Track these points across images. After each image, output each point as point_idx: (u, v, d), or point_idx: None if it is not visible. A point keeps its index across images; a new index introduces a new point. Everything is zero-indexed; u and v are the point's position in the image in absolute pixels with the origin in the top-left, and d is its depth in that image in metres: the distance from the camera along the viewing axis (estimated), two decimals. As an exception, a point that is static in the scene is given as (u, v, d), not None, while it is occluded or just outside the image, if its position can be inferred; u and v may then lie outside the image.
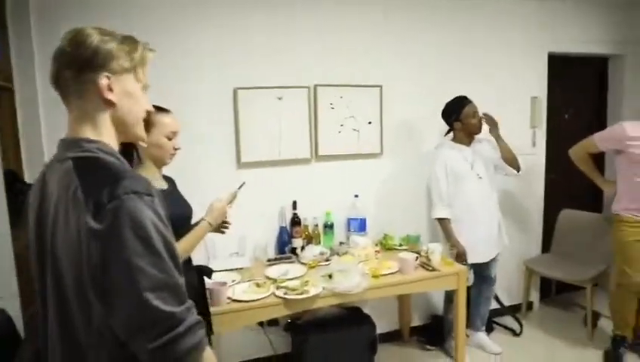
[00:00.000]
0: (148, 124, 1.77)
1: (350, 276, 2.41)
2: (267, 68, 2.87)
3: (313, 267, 2.66)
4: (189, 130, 2.64)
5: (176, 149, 1.82)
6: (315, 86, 2.97)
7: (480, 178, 2.93)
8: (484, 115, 2.89)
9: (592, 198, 4.02)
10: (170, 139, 1.78)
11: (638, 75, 3.76)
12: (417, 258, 2.71)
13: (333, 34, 3.00)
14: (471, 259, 2.90)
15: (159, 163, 1.82)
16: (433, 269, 2.66)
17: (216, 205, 1.88)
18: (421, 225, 3.31)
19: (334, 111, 3.02)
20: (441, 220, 2.93)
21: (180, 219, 1.81)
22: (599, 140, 2.97)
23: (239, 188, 1.99)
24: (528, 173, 3.49)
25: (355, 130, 3.09)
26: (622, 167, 2.93)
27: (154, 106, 1.79)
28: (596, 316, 3.45)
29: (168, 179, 1.92)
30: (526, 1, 3.47)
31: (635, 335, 3.08)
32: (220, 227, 1.93)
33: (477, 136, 2.98)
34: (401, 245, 3.02)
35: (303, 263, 2.72)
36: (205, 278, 2.04)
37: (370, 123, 3.12)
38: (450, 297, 3.00)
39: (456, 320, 2.78)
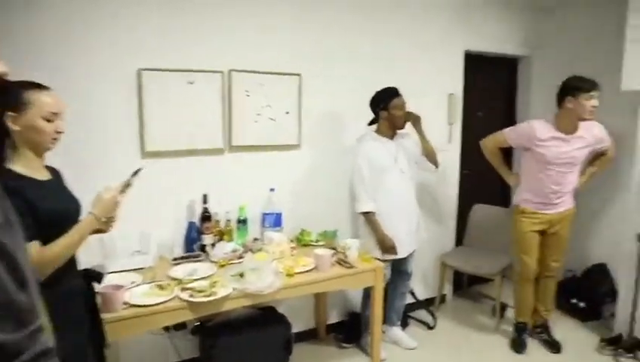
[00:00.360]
0: (21, 103, 1.51)
1: (263, 275, 2.26)
2: (177, 49, 2.60)
3: (224, 265, 2.47)
4: (84, 114, 2.36)
5: (58, 133, 1.55)
6: (230, 71, 2.76)
7: (403, 172, 2.90)
8: (408, 112, 2.87)
9: (501, 193, 4.19)
10: (50, 121, 1.51)
11: (544, 76, 3.95)
12: (334, 254, 2.62)
13: (249, 16, 2.79)
14: (391, 255, 2.87)
15: (39, 150, 1.54)
16: (350, 266, 2.58)
17: (104, 195, 1.63)
18: (341, 219, 3.23)
19: (250, 99, 2.84)
20: (366, 214, 2.86)
21: (63, 215, 1.56)
22: (509, 136, 3.07)
23: (134, 176, 1.74)
24: (444, 169, 3.53)
25: (271, 119, 2.92)
26: (527, 163, 3.05)
27: (29, 83, 1.53)
28: (504, 306, 3.58)
29: (52, 170, 1.65)
30: (445, -3, 3.50)
31: (535, 322, 3.27)
32: (107, 223, 1.68)
33: (400, 131, 2.94)
34: (317, 241, 2.91)
35: (213, 261, 2.52)
36: (95, 284, 1.80)
37: (287, 113, 2.97)
38: (368, 293, 2.94)
39: (372, 317, 2.73)
